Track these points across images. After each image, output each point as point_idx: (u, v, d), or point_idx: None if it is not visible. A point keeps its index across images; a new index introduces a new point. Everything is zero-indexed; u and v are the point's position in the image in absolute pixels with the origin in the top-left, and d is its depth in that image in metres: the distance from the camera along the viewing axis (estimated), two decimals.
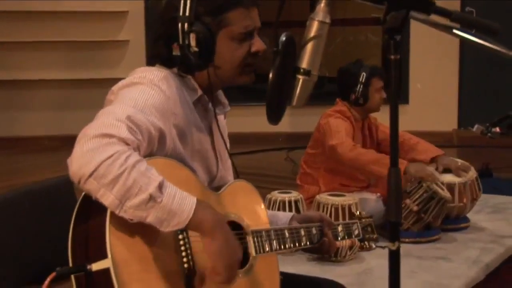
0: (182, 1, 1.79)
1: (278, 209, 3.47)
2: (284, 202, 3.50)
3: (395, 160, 1.49)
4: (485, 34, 1.56)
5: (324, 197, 3.50)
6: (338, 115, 3.97)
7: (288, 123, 7.48)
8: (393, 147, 1.49)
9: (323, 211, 3.41)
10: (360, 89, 3.95)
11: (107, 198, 1.55)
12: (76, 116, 7.24)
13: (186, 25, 1.79)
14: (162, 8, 1.89)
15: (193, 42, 1.79)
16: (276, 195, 3.56)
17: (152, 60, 1.91)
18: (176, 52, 1.81)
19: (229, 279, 1.68)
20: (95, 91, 6.79)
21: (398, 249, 1.48)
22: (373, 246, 2.38)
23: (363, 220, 2.34)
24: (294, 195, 3.57)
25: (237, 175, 2.03)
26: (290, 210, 3.47)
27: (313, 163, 4.10)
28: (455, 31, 1.61)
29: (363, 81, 3.95)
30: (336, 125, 3.90)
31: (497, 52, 1.63)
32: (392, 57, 1.46)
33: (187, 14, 1.78)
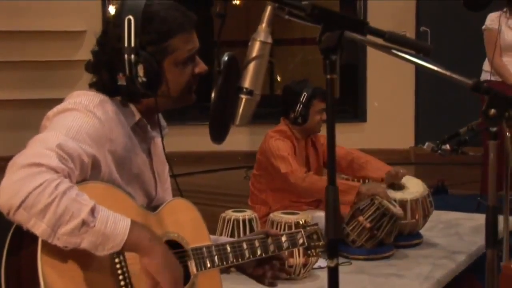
0: (126, 31, 1.77)
1: (232, 228, 3.47)
2: (238, 221, 3.49)
3: (333, 178, 1.51)
4: (419, 53, 1.59)
5: (278, 215, 3.50)
6: (278, 137, 3.95)
7: (247, 142, 7.50)
8: (330, 165, 1.51)
9: (276, 229, 3.42)
10: (300, 109, 3.92)
11: (39, 228, 1.53)
12: (33, 136, 7.14)
13: (132, 56, 1.77)
14: (102, 37, 1.87)
15: (141, 73, 1.78)
16: (230, 213, 3.55)
17: (94, 87, 1.88)
18: (121, 82, 1.80)
19: None
20: None
21: (336, 266, 1.50)
22: (320, 254, 2.39)
23: (308, 228, 2.35)
24: (248, 213, 3.56)
25: (181, 193, 2.02)
26: (244, 229, 3.46)
27: (259, 184, 4.11)
28: (394, 51, 1.65)
29: (303, 101, 3.91)
30: (278, 148, 3.89)
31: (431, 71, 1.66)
32: (329, 76, 1.49)
33: (132, 44, 1.77)
